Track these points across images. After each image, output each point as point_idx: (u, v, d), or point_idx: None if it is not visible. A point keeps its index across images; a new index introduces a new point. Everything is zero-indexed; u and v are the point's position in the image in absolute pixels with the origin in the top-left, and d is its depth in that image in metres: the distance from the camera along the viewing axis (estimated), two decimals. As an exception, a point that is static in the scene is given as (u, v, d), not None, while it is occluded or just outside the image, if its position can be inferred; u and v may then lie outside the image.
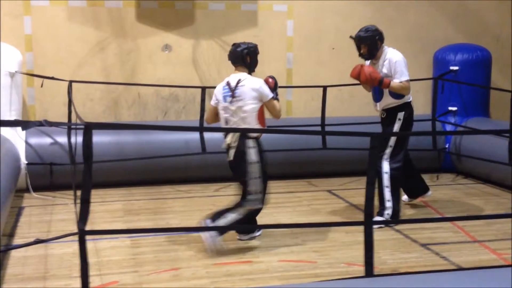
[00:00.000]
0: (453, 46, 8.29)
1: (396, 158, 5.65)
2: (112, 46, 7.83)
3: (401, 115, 5.68)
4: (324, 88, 7.56)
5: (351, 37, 5.74)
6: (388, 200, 5.59)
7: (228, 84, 5.08)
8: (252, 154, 4.94)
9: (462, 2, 8.87)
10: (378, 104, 5.80)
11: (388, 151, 5.63)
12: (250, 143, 4.95)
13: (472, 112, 8.05)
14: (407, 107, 5.73)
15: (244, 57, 5.11)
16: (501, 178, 7.10)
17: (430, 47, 8.53)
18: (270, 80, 5.16)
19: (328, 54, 8.53)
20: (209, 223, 4.84)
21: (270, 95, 5.03)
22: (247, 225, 5.17)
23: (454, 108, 8.06)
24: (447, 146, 7.94)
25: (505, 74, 8.99)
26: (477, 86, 7.84)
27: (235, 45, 5.20)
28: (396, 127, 5.69)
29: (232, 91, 5.00)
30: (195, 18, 8.04)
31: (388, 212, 5.59)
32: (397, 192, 5.68)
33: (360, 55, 5.74)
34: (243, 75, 5.07)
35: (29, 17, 7.53)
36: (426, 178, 6.73)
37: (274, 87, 5.13)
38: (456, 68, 7.97)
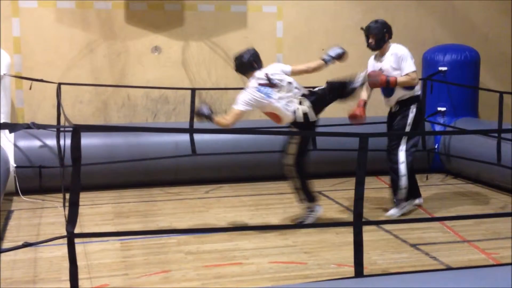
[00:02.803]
0: (442, 46, 8.33)
1: (411, 144, 5.97)
2: (101, 48, 7.81)
3: (413, 107, 5.97)
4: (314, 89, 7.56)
5: (361, 28, 6.02)
6: (405, 188, 5.94)
7: (260, 85, 5.37)
8: (324, 96, 5.47)
9: (450, 3, 8.92)
10: (390, 98, 6.05)
11: (403, 141, 5.93)
12: (315, 91, 5.51)
13: (461, 113, 8.09)
14: (418, 100, 6.04)
15: (252, 64, 5.48)
16: (490, 178, 7.14)
17: (419, 48, 8.56)
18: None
19: (318, 55, 8.46)
20: None
21: (287, 66, 5.56)
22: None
23: (443, 109, 8.10)
24: (436, 147, 7.97)
25: (494, 74, 9.05)
26: (465, 87, 7.89)
27: (238, 57, 5.55)
28: (410, 118, 5.94)
29: (270, 85, 5.37)
30: (184, 19, 8.03)
31: (403, 196, 5.97)
32: (412, 178, 6.06)
33: (368, 45, 5.99)
34: (262, 71, 5.45)
35: (17, 19, 7.50)
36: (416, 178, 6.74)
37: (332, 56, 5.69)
38: (445, 68, 8.01)
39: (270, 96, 5.34)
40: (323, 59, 5.66)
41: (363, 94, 6.18)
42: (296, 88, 5.45)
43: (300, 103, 5.39)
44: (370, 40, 5.95)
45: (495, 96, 7.16)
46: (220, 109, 8.29)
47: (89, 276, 4.41)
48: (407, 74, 5.84)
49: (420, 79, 8.07)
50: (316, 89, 5.53)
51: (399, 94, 5.96)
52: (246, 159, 7.30)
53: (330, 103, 5.53)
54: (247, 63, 5.46)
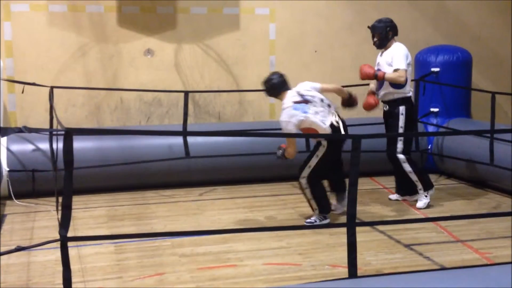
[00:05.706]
0: (434, 47, 8.35)
1: (406, 146, 6.27)
2: (94, 51, 7.79)
3: (402, 109, 6.22)
4: (307, 91, 7.57)
5: (368, 27, 6.33)
6: (417, 181, 6.26)
7: (295, 103, 5.54)
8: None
9: (442, 4, 8.95)
10: (378, 92, 6.33)
11: (399, 144, 6.21)
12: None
13: (454, 113, 8.11)
14: (407, 102, 6.26)
15: (282, 85, 5.70)
16: (483, 178, 7.16)
17: (411, 49, 8.45)
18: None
19: (311, 57, 8.56)
20: None
21: (317, 84, 5.80)
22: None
23: (436, 109, 8.12)
24: (429, 147, 7.99)
25: (486, 74, 9.09)
26: (458, 87, 7.92)
27: (268, 81, 5.74)
28: (401, 121, 6.19)
29: (305, 101, 5.56)
30: (177, 22, 8.03)
31: (420, 187, 6.27)
32: (418, 172, 6.31)
33: (374, 43, 6.32)
34: (294, 90, 5.65)
35: (8, 22, 7.47)
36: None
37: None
38: (437, 69, 8.03)
39: (306, 111, 5.52)
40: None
41: (371, 86, 6.44)
42: (328, 104, 5.66)
43: (336, 116, 5.64)
44: (375, 39, 6.27)
45: (487, 96, 7.19)
46: (214, 111, 8.30)
47: (83, 280, 4.39)
48: (395, 71, 6.11)
49: (412, 80, 8.13)
50: None
51: (386, 90, 6.24)
52: (240, 161, 7.29)
53: None
54: (278, 85, 5.66)
